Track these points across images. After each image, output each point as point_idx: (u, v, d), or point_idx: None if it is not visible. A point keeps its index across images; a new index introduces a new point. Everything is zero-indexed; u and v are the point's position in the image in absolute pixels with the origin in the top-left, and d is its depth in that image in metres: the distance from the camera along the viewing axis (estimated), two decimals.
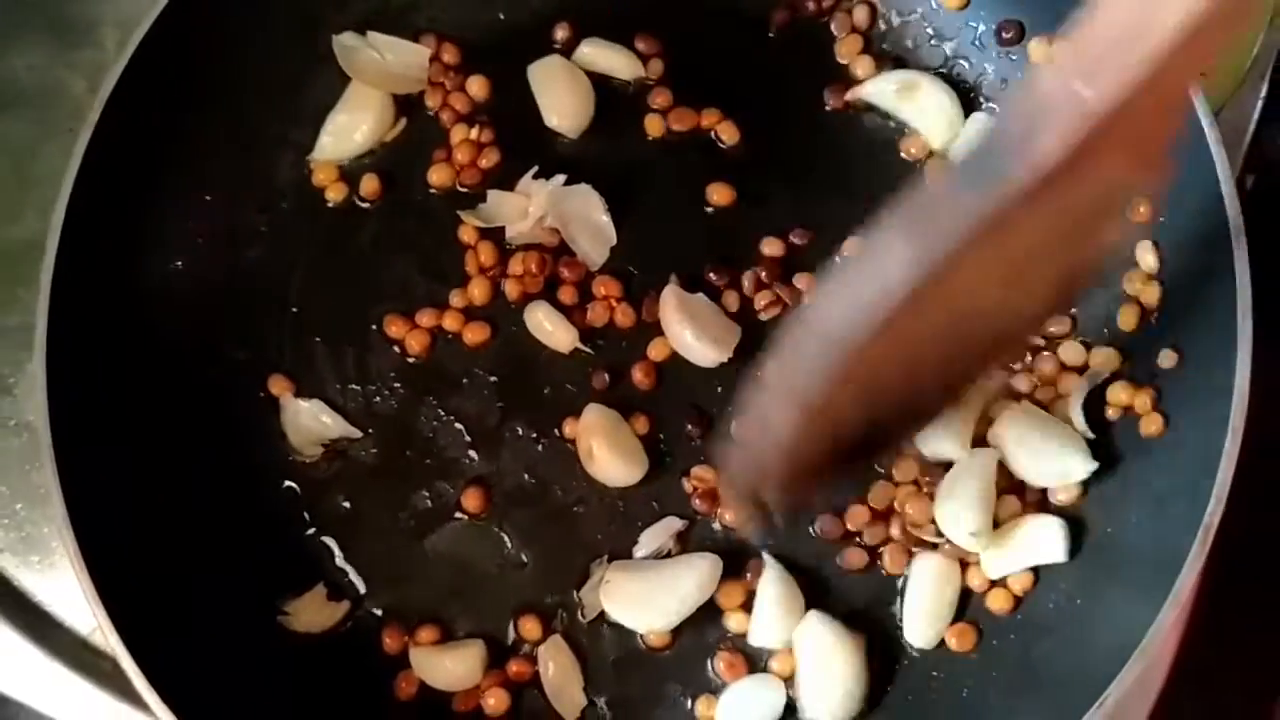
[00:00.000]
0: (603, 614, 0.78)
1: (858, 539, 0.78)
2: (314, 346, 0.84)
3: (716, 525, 0.80)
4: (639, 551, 0.79)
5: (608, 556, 0.79)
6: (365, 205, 0.86)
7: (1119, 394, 0.77)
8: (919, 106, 0.85)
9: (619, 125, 0.87)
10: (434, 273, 0.85)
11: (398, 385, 0.83)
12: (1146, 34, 0.46)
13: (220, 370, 0.82)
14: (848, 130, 0.86)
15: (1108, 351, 0.79)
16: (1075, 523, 0.76)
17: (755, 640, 0.77)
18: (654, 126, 0.86)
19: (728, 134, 0.86)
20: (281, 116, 0.87)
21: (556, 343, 0.83)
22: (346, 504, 0.81)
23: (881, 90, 0.85)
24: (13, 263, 0.88)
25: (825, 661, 0.75)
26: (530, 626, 0.78)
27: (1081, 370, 0.79)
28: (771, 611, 0.76)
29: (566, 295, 0.83)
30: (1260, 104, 0.90)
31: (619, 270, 0.84)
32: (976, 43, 0.86)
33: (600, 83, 0.87)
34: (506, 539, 0.80)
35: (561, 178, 0.83)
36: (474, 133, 0.86)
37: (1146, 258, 0.78)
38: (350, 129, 0.86)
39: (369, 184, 0.86)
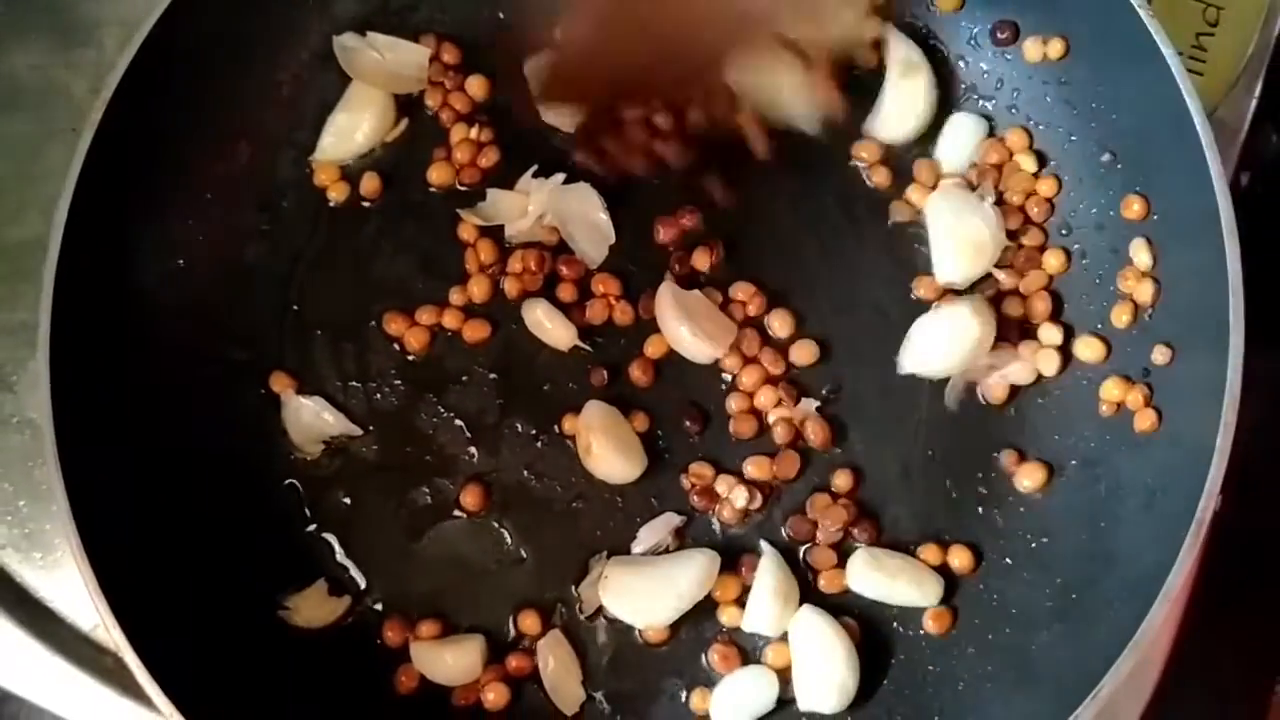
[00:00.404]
0: (601, 609, 0.78)
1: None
2: (314, 344, 0.84)
3: (714, 522, 0.80)
4: (637, 547, 0.79)
5: (606, 552, 0.79)
6: (366, 204, 0.87)
7: (1112, 390, 0.78)
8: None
9: None
10: (434, 271, 0.85)
11: (398, 382, 0.83)
12: None
13: (221, 368, 0.83)
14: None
15: (1093, 342, 0.80)
16: (1069, 519, 0.77)
17: (750, 627, 0.77)
18: None
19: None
20: (281, 116, 0.87)
21: (555, 340, 0.83)
22: (347, 500, 0.81)
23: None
24: (16, 261, 0.88)
25: (820, 652, 0.75)
26: (530, 621, 0.79)
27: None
28: (767, 600, 0.76)
29: (565, 293, 0.84)
30: (1254, 104, 0.90)
31: (618, 268, 0.84)
32: (972, 42, 0.87)
33: None
34: (506, 535, 0.81)
35: (561, 176, 0.84)
36: (474, 132, 0.87)
37: (1140, 255, 0.79)
38: (351, 129, 0.87)
39: (369, 183, 0.86)
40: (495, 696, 0.77)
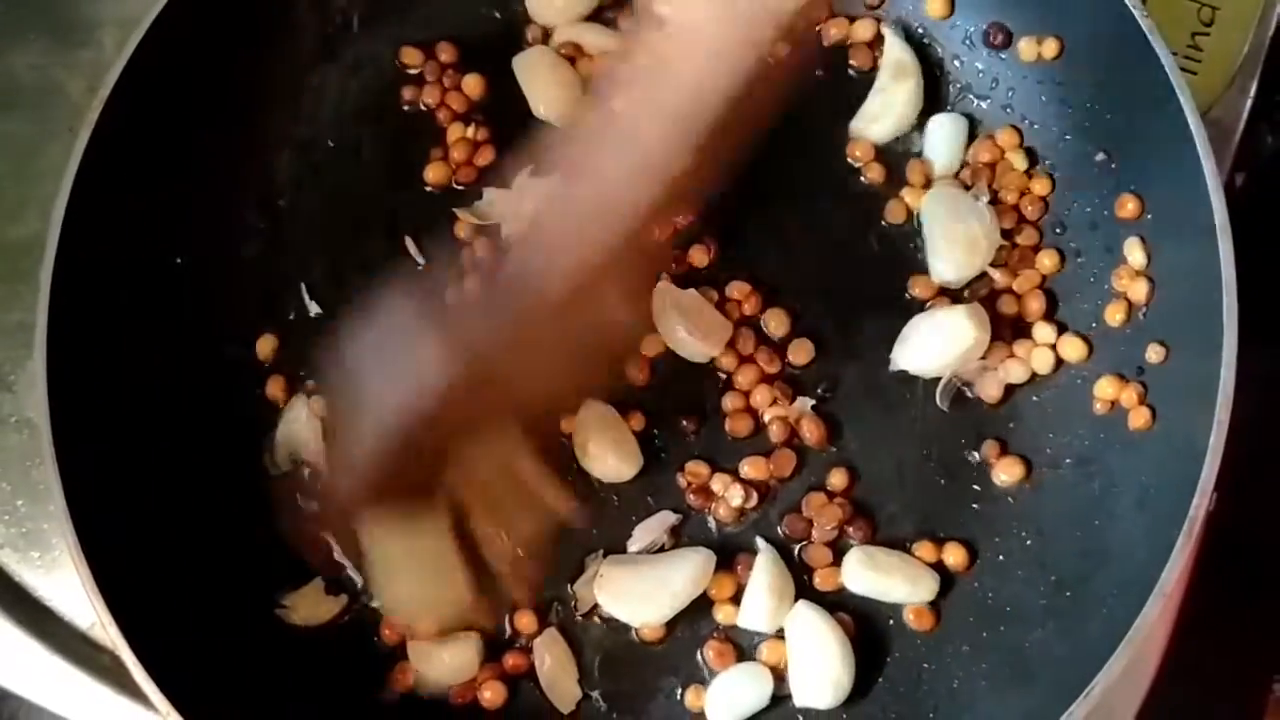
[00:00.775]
0: (597, 607, 0.78)
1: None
2: (314, 342, 0.84)
3: (710, 520, 0.80)
4: (633, 546, 0.79)
5: (602, 551, 0.79)
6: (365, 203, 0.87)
7: (1106, 388, 0.78)
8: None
9: None
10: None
11: None
12: None
13: (220, 366, 0.83)
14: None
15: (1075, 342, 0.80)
16: (1063, 516, 0.77)
17: (746, 623, 0.77)
18: None
19: None
20: (280, 115, 0.87)
21: None
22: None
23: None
24: (13, 260, 0.88)
25: (815, 648, 0.75)
26: (526, 620, 0.79)
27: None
28: (763, 596, 0.77)
29: None
30: (1249, 104, 0.90)
31: None
32: (967, 41, 0.87)
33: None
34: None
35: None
36: (470, 131, 0.87)
37: (1134, 253, 0.79)
38: None
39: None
40: (492, 695, 0.77)
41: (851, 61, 0.88)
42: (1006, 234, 0.83)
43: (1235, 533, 0.82)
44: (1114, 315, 0.79)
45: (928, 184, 0.85)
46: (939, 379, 0.81)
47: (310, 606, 0.79)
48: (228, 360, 0.83)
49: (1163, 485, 0.73)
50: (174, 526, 0.77)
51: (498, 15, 0.90)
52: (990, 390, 0.81)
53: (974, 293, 0.82)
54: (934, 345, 0.80)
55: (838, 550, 0.79)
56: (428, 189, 0.87)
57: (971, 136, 0.86)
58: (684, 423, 0.82)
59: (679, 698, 0.78)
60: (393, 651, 0.79)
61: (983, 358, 0.80)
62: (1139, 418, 0.76)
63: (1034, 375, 0.81)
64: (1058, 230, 0.84)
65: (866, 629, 0.78)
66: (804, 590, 0.78)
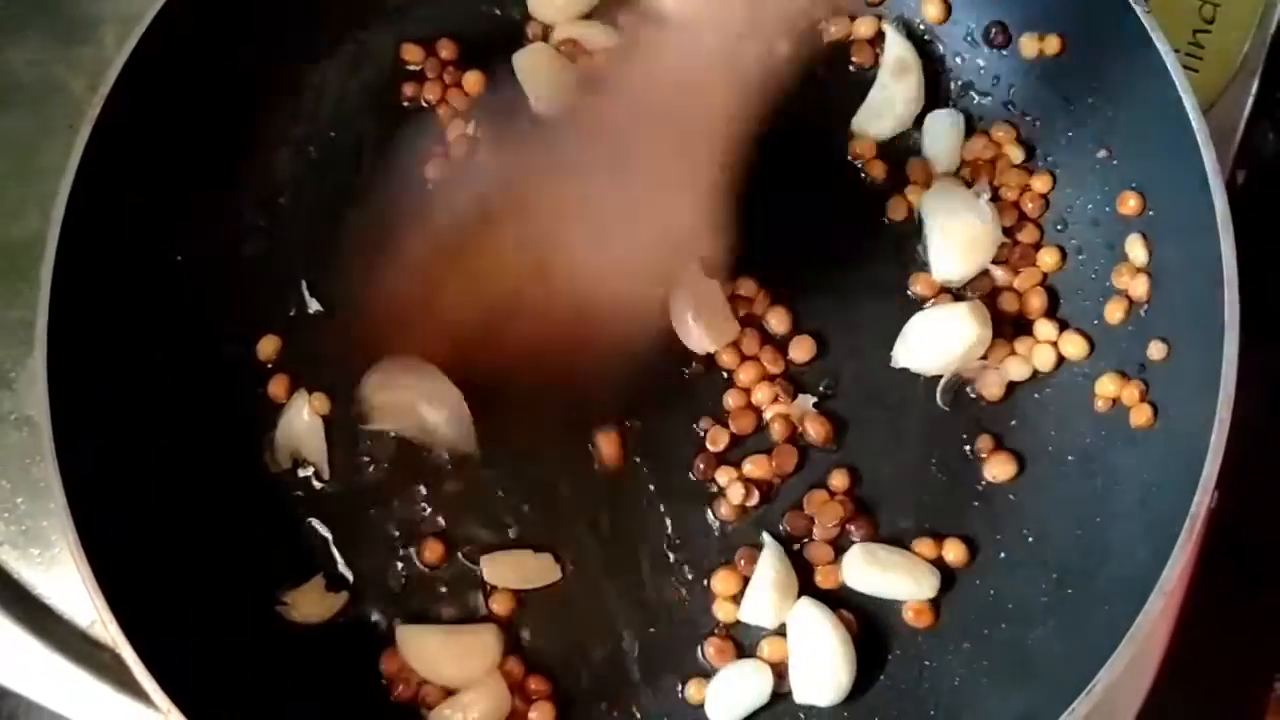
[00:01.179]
0: None
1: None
2: (314, 341, 0.84)
3: (711, 517, 0.80)
4: None
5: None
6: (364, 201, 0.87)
7: (1108, 385, 0.78)
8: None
9: None
10: None
11: None
12: None
13: (219, 364, 0.83)
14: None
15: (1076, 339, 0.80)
16: (1065, 513, 0.77)
17: (748, 618, 0.77)
18: None
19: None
20: (282, 114, 0.87)
21: None
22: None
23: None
24: (13, 258, 0.88)
25: (817, 645, 0.75)
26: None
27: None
28: (767, 591, 0.77)
29: None
30: (1250, 101, 0.90)
31: None
32: (969, 38, 0.87)
33: None
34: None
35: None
36: (470, 128, 0.87)
37: (1136, 250, 0.79)
38: None
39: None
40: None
41: (853, 59, 0.88)
42: (1008, 231, 0.83)
43: (1236, 530, 0.82)
44: (1115, 312, 0.79)
45: (929, 181, 0.85)
46: (940, 377, 0.81)
47: (310, 604, 0.78)
48: (228, 358, 0.83)
49: (1164, 483, 0.73)
50: (174, 524, 0.77)
51: (498, 12, 0.90)
52: (991, 388, 0.81)
53: (975, 290, 0.82)
54: (935, 343, 0.80)
55: (839, 548, 0.79)
56: (428, 186, 0.87)
57: (972, 133, 0.86)
58: (694, 424, 0.81)
59: (679, 692, 0.78)
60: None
61: (984, 355, 0.80)
62: (1140, 415, 0.76)
63: (1035, 373, 0.81)
64: (1059, 227, 0.84)
65: (868, 626, 0.78)
66: (805, 588, 0.78)
